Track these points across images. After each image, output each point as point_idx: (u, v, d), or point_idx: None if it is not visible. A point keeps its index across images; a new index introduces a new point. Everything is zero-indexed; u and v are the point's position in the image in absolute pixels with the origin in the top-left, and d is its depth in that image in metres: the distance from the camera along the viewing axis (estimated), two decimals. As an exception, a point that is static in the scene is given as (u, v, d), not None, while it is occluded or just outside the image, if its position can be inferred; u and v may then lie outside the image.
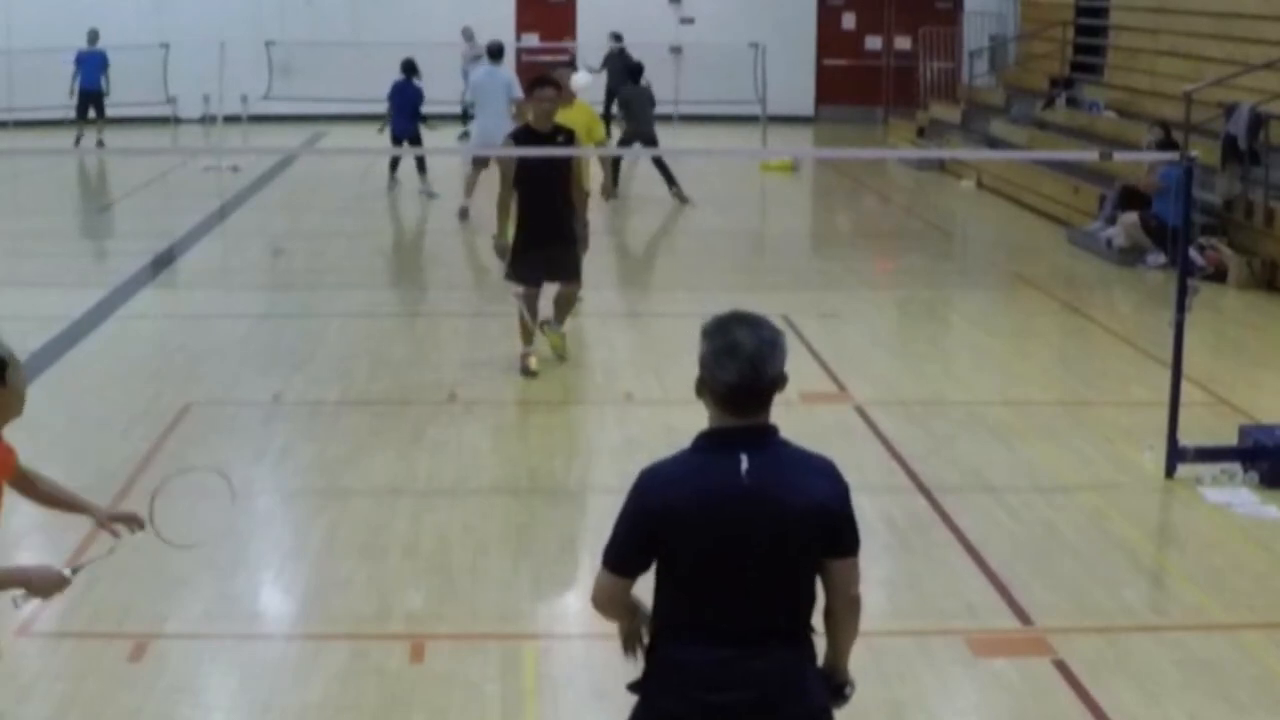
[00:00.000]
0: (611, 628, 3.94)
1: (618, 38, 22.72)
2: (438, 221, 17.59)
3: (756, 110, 24.66)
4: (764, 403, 3.67)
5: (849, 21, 29.85)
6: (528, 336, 10.50)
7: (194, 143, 25.12)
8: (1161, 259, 14.64)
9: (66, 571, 4.19)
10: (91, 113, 24.12)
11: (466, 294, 14.18)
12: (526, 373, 10.43)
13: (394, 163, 19.65)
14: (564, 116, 10.65)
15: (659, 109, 19.51)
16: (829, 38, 29.65)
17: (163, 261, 15.11)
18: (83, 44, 24.23)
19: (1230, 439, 8.67)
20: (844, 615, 3.80)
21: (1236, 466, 8.46)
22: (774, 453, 3.67)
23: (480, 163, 17.60)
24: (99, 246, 17.25)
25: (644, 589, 3.82)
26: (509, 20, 28.64)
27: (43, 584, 4.15)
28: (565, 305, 10.75)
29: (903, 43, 29.28)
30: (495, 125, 17.15)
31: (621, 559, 3.75)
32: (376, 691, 5.92)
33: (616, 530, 3.77)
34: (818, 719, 3.78)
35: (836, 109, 29.35)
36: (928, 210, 19.49)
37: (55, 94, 24.28)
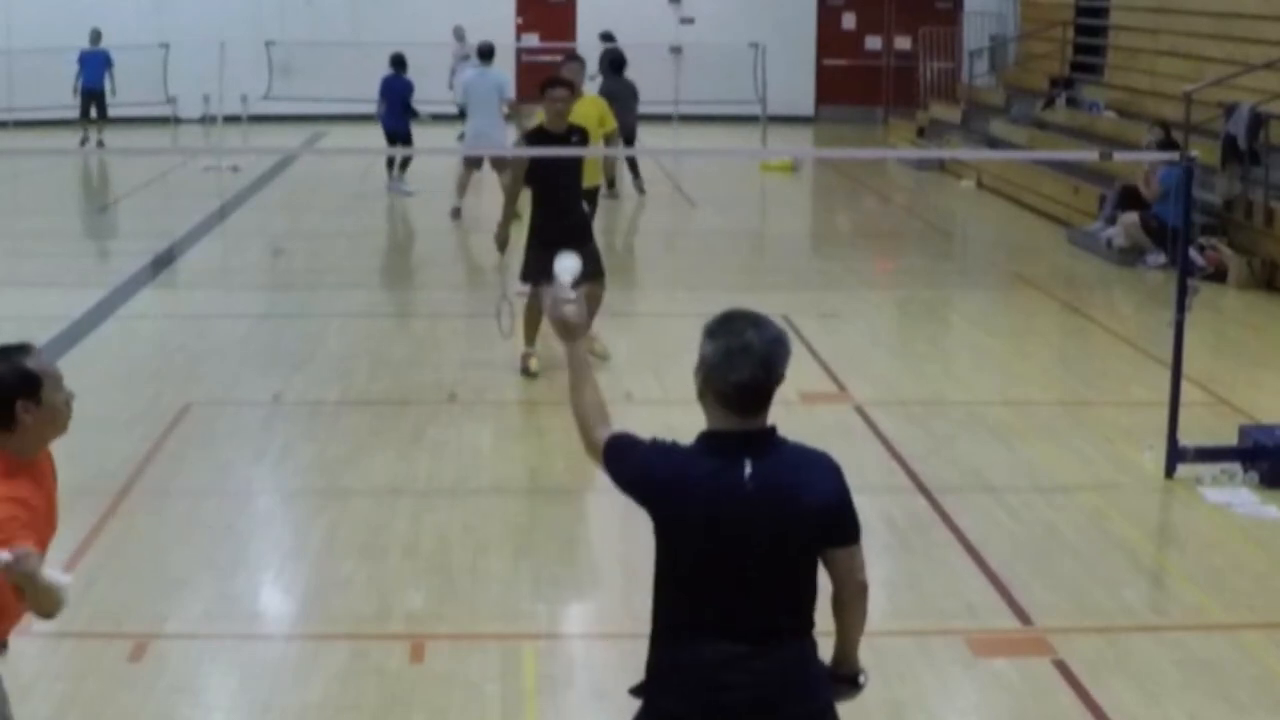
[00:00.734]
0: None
1: (608, 38, 22.73)
2: (437, 222, 17.59)
3: (756, 110, 24.66)
4: (766, 403, 3.67)
5: (849, 21, 29.84)
6: (530, 337, 10.49)
7: (194, 143, 25.11)
8: (1161, 259, 14.64)
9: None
10: (94, 112, 24.12)
11: (466, 294, 14.18)
12: (526, 373, 10.43)
13: (390, 162, 19.67)
14: (575, 111, 10.65)
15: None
16: (829, 38, 29.65)
17: (163, 261, 15.11)
18: (83, 43, 24.22)
19: (1230, 439, 8.67)
20: (852, 601, 3.78)
21: (1236, 466, 8.46)
22: (776, 456, 3.67)
23: (473, 163, 17.59)
24: (99, 246, 17.25)
25: (643, 591, 3.82)
26: (509, 20, 28.65)
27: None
28: (594, 306, 10.64)
29: (903, 43, 29.27)
30: (489, 126, 17.19)
31: (622, 442, 3.84)
32: (376, 691, 5.92)
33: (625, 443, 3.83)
34: (820, 718, 3.77)
35: (836, 109, 29.35)
36: (928, 210, 19.49)
37: (55, 94, 24.28)
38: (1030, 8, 25.55)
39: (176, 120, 26.55)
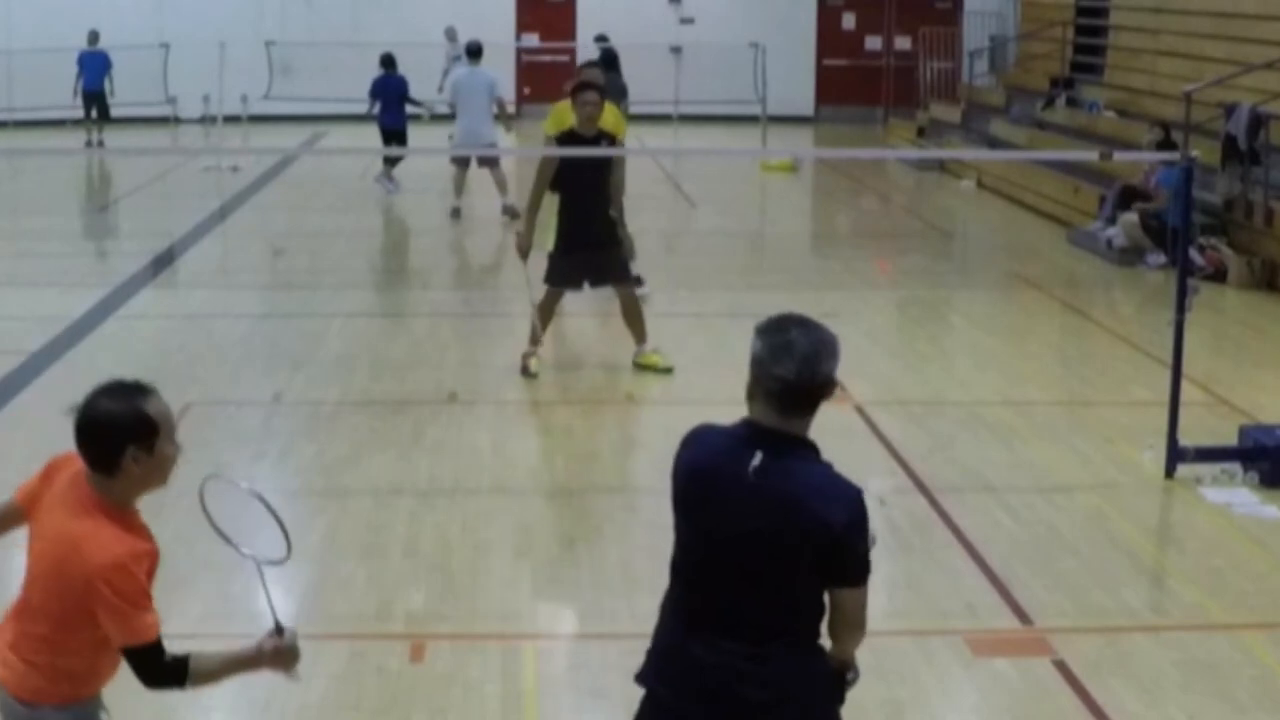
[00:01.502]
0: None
1: (601, 39, 22.74)
2: (437, 221, 17.59)
3: (756, 110, 24.66)
4: (811, 405, 3.67)
5: (849, 21, 29.85)
6: (534, 337, 10.48)
7: (194, 143, 25.12)
8: (1161, 259, 14.64)
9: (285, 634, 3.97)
10: (94, 114, 24.12)
11: (467, 294, 14.18)
12: (526, 373, 10.41)
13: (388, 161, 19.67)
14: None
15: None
16: (829, 38, 29.66)
17: (163, 261, 15.11)
18: (83, 44, 24.23)
19: (1230, 439, 8.67)
20: (842, 635, 3.77)
21: (1236, 466, 8.46)
22: (796, 463, 3.65)
23: (462, 163, 17.59)
24: (99, 246, 17.25)
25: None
26: (509, 20, 28.66)
27: (279, 660, 3.97)
28: (634, 314, 10.53)
29: (903, 43, 29.28)
30: (479, 125, 17.20)
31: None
32: (376, 691, 5.92)
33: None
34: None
35: (836, 109, 29.36)
36: (928, 210, 19.49)
37: (55, 94, 24.30)
38: (1030, 8, 25.55)
39: (176, 120, 26.56)
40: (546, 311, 10.48)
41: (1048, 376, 11.11)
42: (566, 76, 27.38)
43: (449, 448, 9.03)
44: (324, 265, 15.15)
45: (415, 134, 20.21)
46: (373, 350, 11.43)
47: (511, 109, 20.85)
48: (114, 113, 24.40)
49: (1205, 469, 8.44)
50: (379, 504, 8.07)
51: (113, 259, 16.01)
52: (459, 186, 17.56)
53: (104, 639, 3.72)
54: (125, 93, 24.70)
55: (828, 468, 3.68)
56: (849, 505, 3.62)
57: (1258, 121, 14.52)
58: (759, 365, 3.66)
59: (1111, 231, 15.48)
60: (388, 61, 19.35)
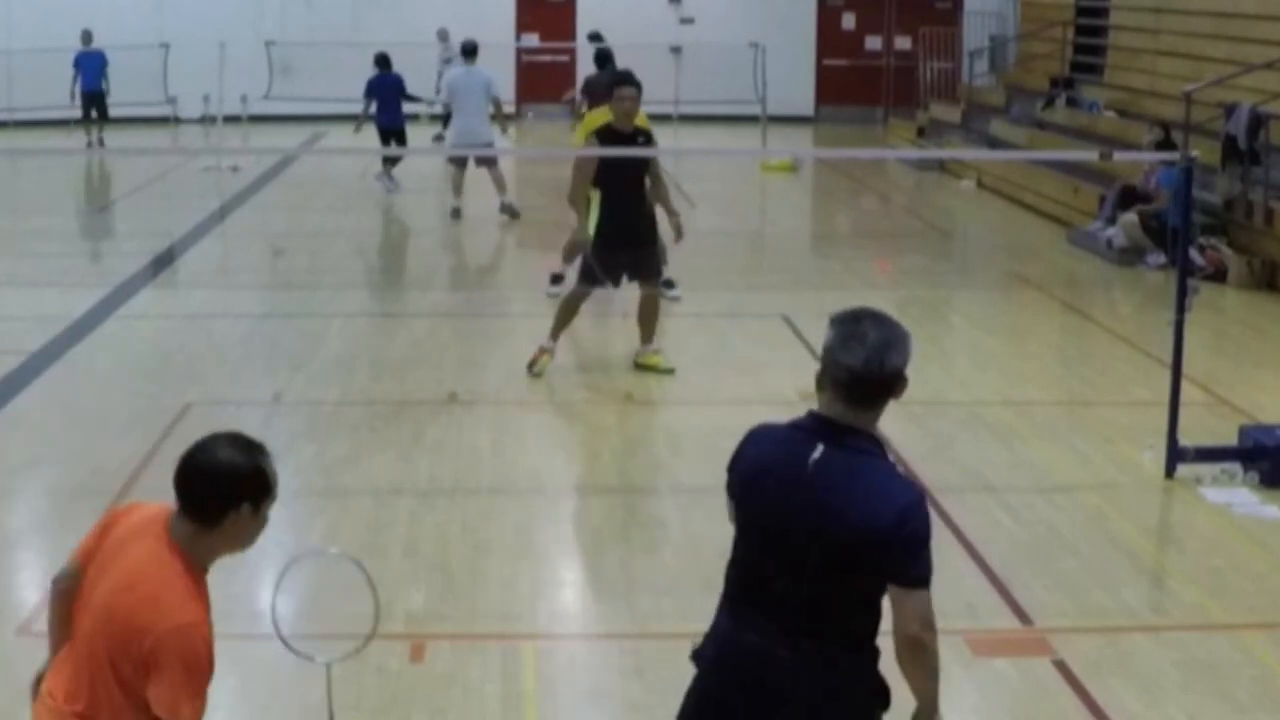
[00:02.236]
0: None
1: (595, 38, 22.74)
2: (438, 221, 17.60)
3: (756, 110, 24.65)
4: (879, 398, 3.66)
5: (849, 21, 29.84)
6: (556, 332, 10.49)
7: (194, 143, 25.11)
8: (1161, 259, 14.64)
9: None
10: (93, 114, 24.11)
11: (467, 294, 14.18)
12: (531, 369, 10.39)
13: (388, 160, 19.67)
14: (590, 120, 10.66)
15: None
16: (829, 38, 29.65)
17: (163, 261, 15.11)
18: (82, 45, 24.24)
19: (1230, 439, 8.67)
20: (901, 653, 3.67)
21: (1236, 466, 8.46)
22: (853, 458, 3.63)
23: (460, 163, 17.59)
24: (99, 246, 17.25)
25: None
26: (509, 20, 28.66)
27: None
28: (650, 314, 10.52)
29: (903, 43, 29.28)
30: (475, 124, 17.19)
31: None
32: (376, 691, 5.92)
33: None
34: None
35: (836, 109, 29.36)
36: (928, 210, 19.49)
37: (55, 94, 24.26)
38: (1030, 8, 25.55)
39: (176, 120, 26.56)
40: (570, 310, 10.49)
41: (1048, 376, 11.11)
42: (566, 77, 27.33)
43: (449, 448, 9.03)
44: (324, 265, 15.15)
45: (415, 134, 20.22)
46: (373, 350, 11.43)
47: (509, 108, 20.85)
48: (114, 113, 24.39)
49: (1205, 469, 8.44)
50: (379, 504, 8.07)
51: (113, 259, 16.00)
52: (457, 187, 17.56)
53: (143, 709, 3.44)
54: (125, 93, 24.69)
55: (889, 465, 3.68)
56: (902, 506, 3.59)
57: (1258, 121, 14.53)
58: (829, 354, 3.67)
59: (1111, 231, 15.48)
60: (382, 61, 19.37)
